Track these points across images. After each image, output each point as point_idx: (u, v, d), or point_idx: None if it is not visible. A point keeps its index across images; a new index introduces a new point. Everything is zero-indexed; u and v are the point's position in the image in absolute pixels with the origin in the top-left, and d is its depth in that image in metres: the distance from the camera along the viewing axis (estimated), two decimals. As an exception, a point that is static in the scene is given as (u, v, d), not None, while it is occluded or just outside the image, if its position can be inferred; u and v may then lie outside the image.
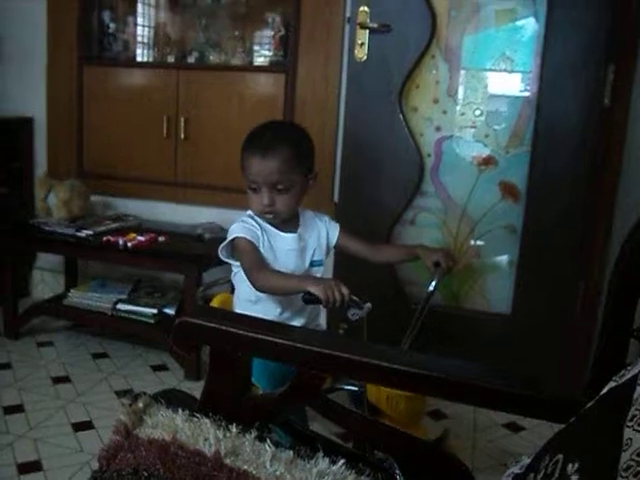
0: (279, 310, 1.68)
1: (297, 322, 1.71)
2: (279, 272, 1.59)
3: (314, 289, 1.41)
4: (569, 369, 2.49)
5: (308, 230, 1.73)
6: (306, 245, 1.72)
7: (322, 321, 1.84)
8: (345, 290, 1.40)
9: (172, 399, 1.24)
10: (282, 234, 1.68)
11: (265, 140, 1.61)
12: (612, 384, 0.88)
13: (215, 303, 1.79)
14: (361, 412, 1.53)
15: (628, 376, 0.86)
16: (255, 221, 1.66)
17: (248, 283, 1.58)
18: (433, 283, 1.69)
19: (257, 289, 1.56)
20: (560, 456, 0.84)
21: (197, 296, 1.81)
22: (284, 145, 1.61)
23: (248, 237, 1.62)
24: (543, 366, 2.50)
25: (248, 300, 1.68)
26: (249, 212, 1.69)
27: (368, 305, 1.45)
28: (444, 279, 1.73)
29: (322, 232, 1.76)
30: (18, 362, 2.62)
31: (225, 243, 1.65)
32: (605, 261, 2.45)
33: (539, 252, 2.55)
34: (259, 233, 1.64)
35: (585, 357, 2.46)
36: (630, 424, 0.76)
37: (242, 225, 1.65)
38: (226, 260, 1.68)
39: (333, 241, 1.78)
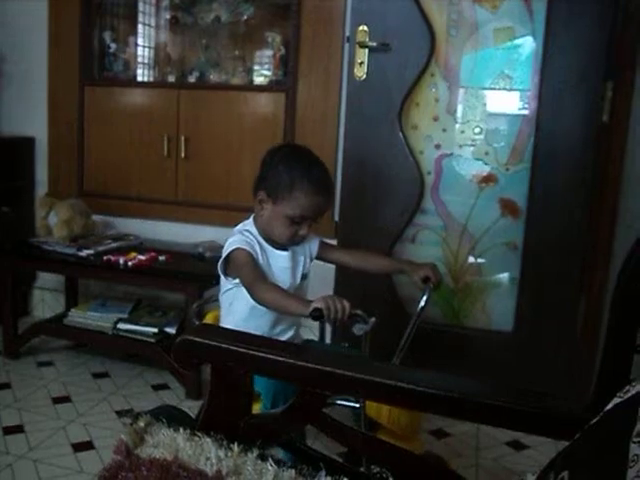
0: (270, 327, 1.71)
1: (285, 337, 1.74)
2: (280, 288, 1.59)
3: (316, 304, 1.41)
4: (572, 385, 2.47)
5: (296, 246, 1.76)
6: (297, 261, 1.75)
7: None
8: (346, 303, 1.41)
9: (163, 414, 1.23)
10: (277, 252, 1.70)
11: (321, 176, 1.66)
12: (617, 400, 0.88)
13: (208, 320, 1.79)
14: (359, 427, 1.52)
15: (633, 392, 0.85)
16: (254, 237, 1.67)
17: (245, 298, 1.60)
18: (424, 298, 1.71)
19: (257, 301, 1.56)
20: (565, 473, 0.83)
21: (191, 311, 1.81)
22: (330, 179, 1.70)
23: (248, 249, 1.63)
24: (545, 382, 2.49)
25: (240, 318, 1.68)
26: (248, 227, 1.70)
27: (373, 319, 1.44)
28: (436, 294, 1.73)
29: (306, 246, 1.79)
30: (18, 382, 2.60)
31: (225, 255, 1.65)
32: (607, 276, 2.45)
33: (540, 269, 2.54)
34: (257, 249, 1.66)
35: (588, 373, 2.44)
36: (636, 440, 0.75)
37: (243, 238, 1.65)
38: (223, 276, 1.69)
39: (314, 253, 1.81)
